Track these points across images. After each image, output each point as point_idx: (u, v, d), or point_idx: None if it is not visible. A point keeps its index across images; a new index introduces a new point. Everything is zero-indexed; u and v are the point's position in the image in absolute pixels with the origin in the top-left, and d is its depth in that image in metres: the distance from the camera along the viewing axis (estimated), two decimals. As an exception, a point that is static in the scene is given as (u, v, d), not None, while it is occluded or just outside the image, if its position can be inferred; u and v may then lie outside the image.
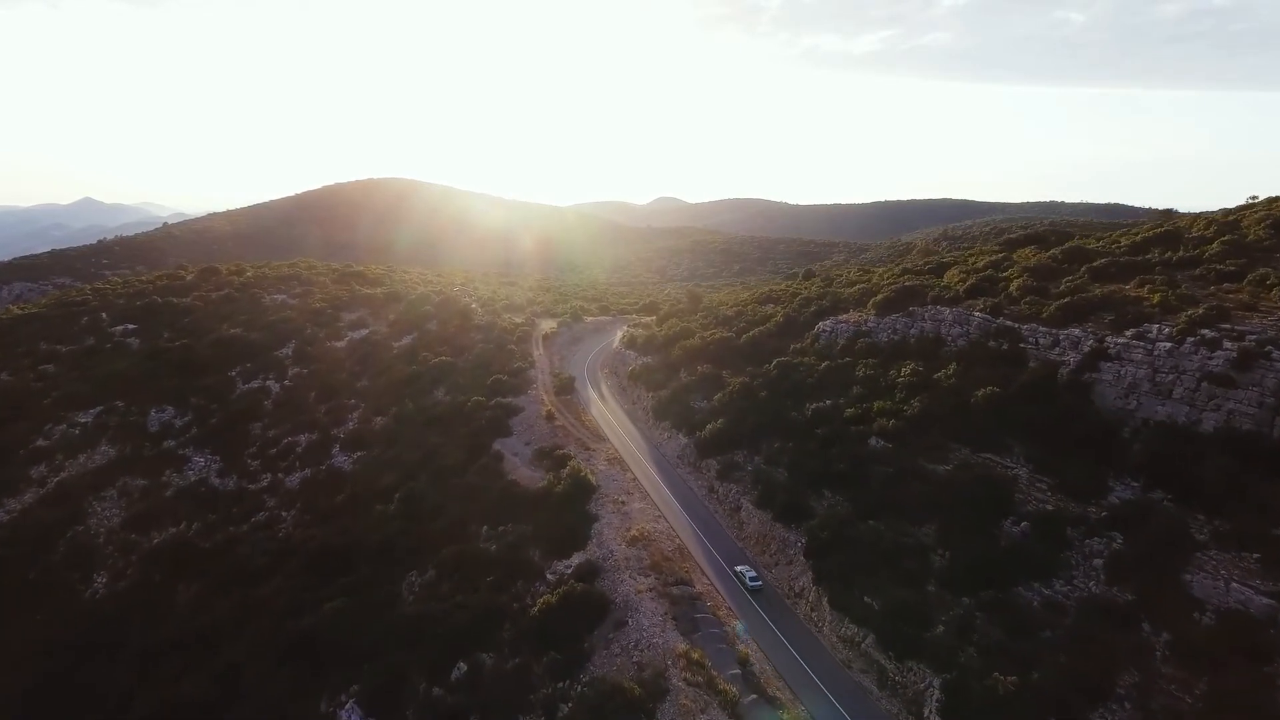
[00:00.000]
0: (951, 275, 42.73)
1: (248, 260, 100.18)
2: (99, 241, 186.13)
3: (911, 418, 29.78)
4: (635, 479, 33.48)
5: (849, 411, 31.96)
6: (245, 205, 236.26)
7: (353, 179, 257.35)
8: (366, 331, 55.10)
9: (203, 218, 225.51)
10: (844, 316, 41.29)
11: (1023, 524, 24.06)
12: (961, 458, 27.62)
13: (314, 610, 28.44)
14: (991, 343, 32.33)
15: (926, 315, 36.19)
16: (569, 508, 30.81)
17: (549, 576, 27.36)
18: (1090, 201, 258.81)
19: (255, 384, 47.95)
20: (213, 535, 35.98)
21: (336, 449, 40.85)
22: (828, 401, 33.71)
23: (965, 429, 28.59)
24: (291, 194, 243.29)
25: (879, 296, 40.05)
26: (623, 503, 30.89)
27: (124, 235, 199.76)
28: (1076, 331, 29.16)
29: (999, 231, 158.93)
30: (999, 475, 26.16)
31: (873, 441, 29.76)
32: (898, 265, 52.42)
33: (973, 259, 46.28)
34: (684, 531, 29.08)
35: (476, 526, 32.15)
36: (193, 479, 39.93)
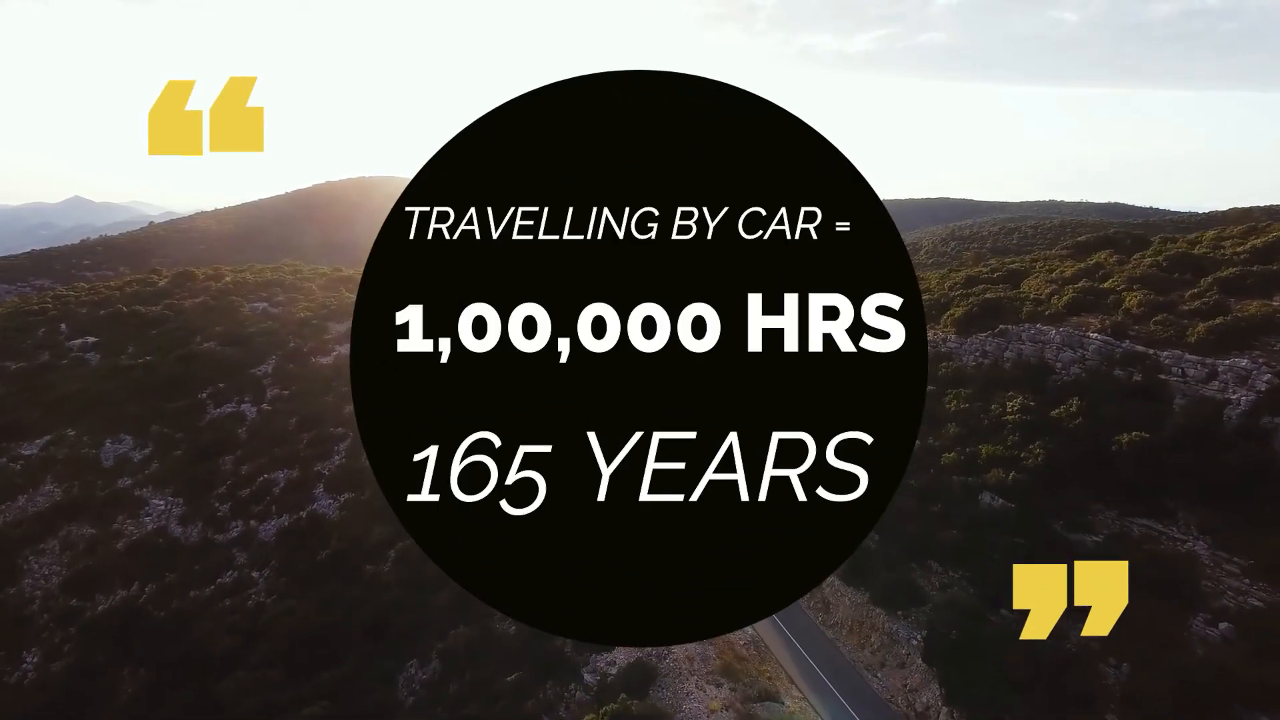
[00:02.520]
0: (1033, 285, 36.98)
1: (239, 261, 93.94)
2: (81, 242, 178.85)
3: (1034, 469, 23.96)
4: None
5: (947, 457, 26.14)
6: (236, 204, 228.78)
7: (346, 177, 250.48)
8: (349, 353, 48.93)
9: (190, 216, 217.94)
10: (914, 334, 35.44)
11: (1221, 625, 18.30)
12: (1110, 524, 21.84)
13: (288, 718, 22.48)
14: (1118, 372, 26.51)
15: (1024, 336, 30.36)
16: (605, 578, 24.93)
17: (587, 678, 21.51)
18: (1090, 200, 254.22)
19: (229, 408, 41.81)
20: (169, 602, 29.87)
21: (320, 490, 34.78)
22: (915, 443, 27.84)
23: (1108, 486, 22.80)
24: (283, 192, 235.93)
25: (957, 311, 34.25)
26: (672, 572, 24.99)
27: (108, 235, 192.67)
28: (1243, 362, 23.37)
29: (1008, 231, 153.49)
30: (1169, 552, 20.38)
31: (986, 498, 23.96)
32: (957, 271, 46.62)
33: (1050, 266, 40.54)
34: (755, 615, 23.27)
35: (490, 598, 26.21)
36: (150, 528, 33.78)
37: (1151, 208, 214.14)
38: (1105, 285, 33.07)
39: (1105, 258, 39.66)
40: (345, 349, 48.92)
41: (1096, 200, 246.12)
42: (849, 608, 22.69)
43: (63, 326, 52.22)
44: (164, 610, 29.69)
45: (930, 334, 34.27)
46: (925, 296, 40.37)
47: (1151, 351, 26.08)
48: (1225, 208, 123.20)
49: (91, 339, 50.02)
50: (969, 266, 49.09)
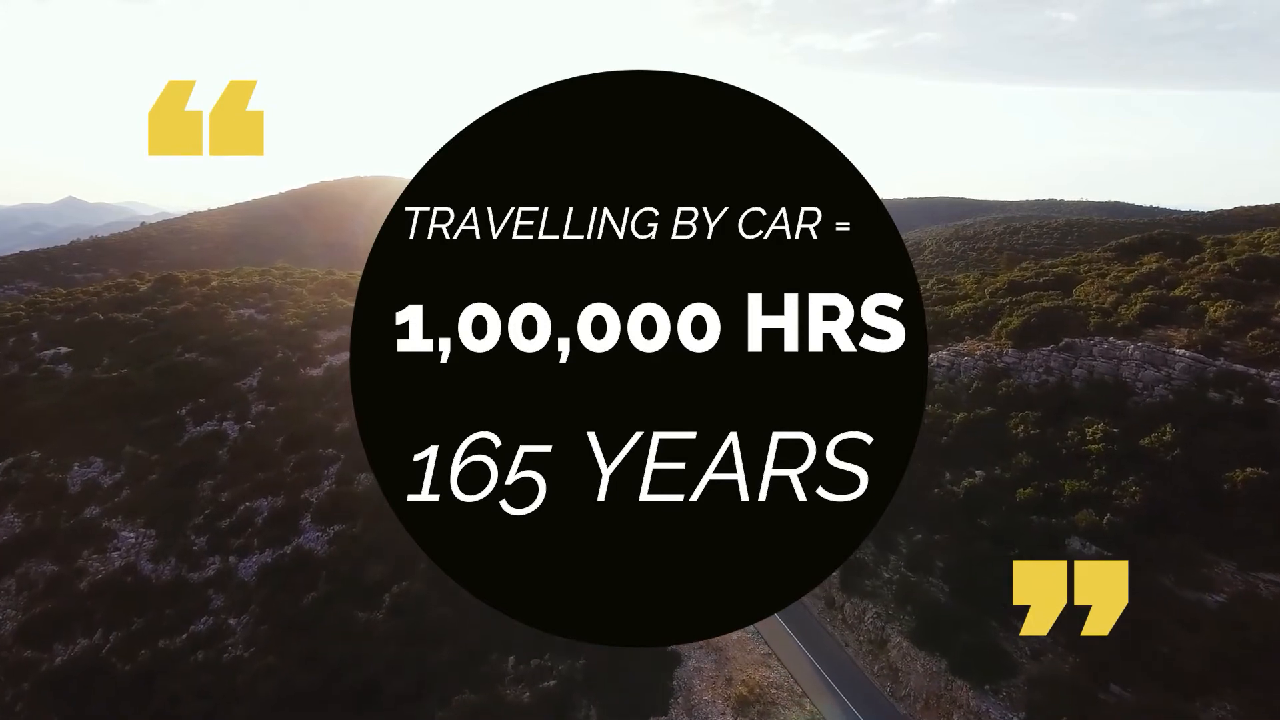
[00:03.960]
0: (1089, 292, 33.80)
1: (233, 263, 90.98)
2: (71, 243, 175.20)
3: (1131, 510, 20.71)
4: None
5: (1022, 493, 22.86)
6: (232, 204, 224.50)
7: (343, 177, 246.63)
8: (349, 356, 45.50)
9: (184, 217, 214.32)
10: (962, 346, 32.19)
11: (1395, 716, 15.17)
12: (1231, 580, 18.60)
13: (263, 807, 19.23)
14: (1214, 394, 23.31)
15: (1095, 351, 27.12)
16: (632, 634, 21.69)
17: (617, 763, 18.29)
18: (1090, 199, 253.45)
19: (209, 426, 38.45)
20: (135, 653, 26.51)
21: (307, 521, 31.43)
22: (979, 474, 24.61)
23: (1221, 531, 19.58)
24: (279, 192, 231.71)
25: (1011, 322, 30.97)
26: (710, 628, 21.74)
27: (98, 236, 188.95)
28: (1374, 386, 20.24)
29: (1012, 230, 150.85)
30: (1311, 617, 17.18)
31: (1075, 544, 20.72)
32: (994, 275, 43.42)
33: (1102, 270, 37.38)
34: (812, 685, 19.90)
35: (500, 656, 22.94)
36: (117, 564, 30.43)
37: (1153, 206, 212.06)
38: (1177, 293, 29.91)
39: (1157, 260, 36.56)
40: (336, 359, 45.54)
41: (1096, 199, 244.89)
42: (923, 676, 19.37)
43: (34, 335, 48.74)
44: (129, 663, 26.28)
45: (983, 347, 31.02)
46: (967, 304, 37.16)
47: (1254, 371, 22.89)
48: (1230, 206, 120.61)
49: (64, 349, 46.59)
50: (1006, 270, 45.87)
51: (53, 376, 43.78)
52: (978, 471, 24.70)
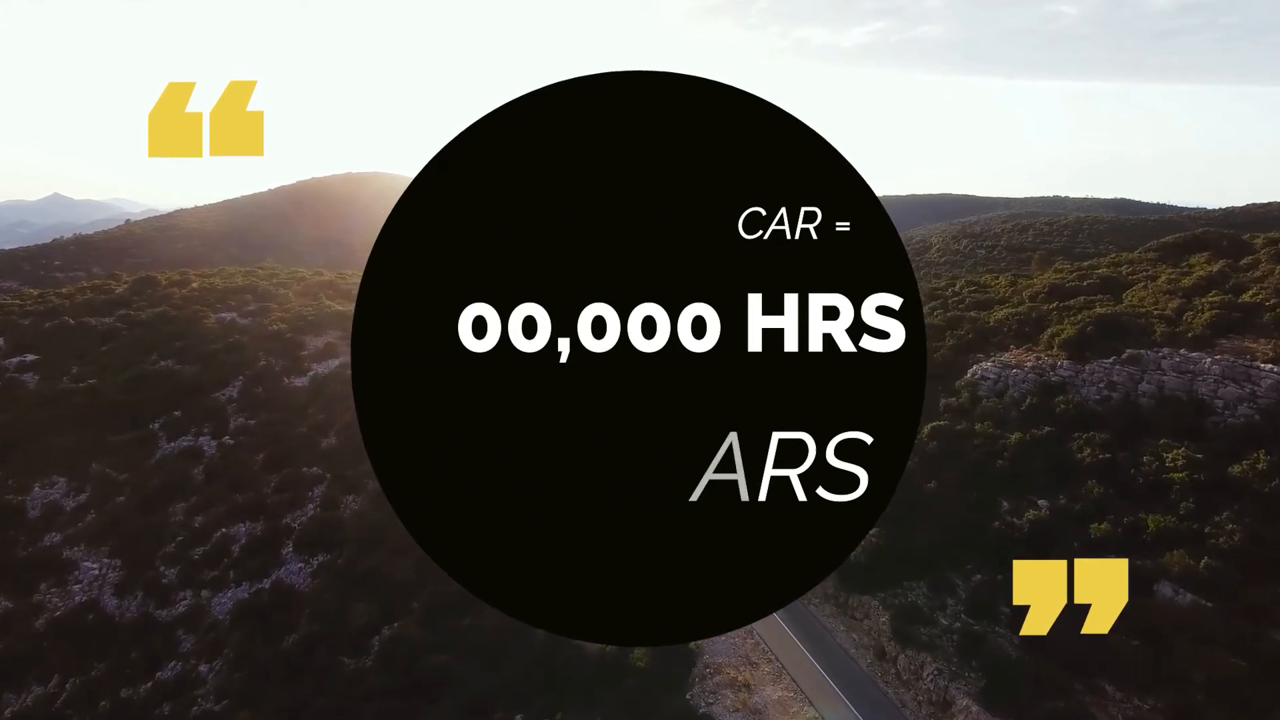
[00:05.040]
0: (1144, 296, 31.23)
1: (221, 261, 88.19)
2: (53, 241, 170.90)
3: (1231, 551, 18.11)
4: (753, 633, 21.47)
5: (1096, 528, 20.21)
6: (220, 200, 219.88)
7: (333, 173, 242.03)
8: (337, 364, 42.60)
9: (171, 214, 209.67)
10: (1008, 356, 29.52)
11: None
12: (1360, 639, 16.04)
13: None
14: (1309, 415, 20.77)
15: (1165, 364, 24.51)
16: (658, 690, 18.93)
17: None
18: (1096, 196, 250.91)
19: (184, 442, 35.49)
20: (95, 703, 23.77)
21: (288, 550, 28.57)
22: (1043, 504, 21.95)
23: (1341, 579, 17.03)
24: (268, 188, 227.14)
25: (1065, 330, 28.32)
26: (747, 685, 18.96)
27: (82, 233, 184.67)
28: None
29: (1021, 228, 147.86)
30: None
31: (1166, 590, 18.10)
32: (1028, 278, 40.83)
33: (1154, 272, 34.83)
34: (871, 759, 17.31)
35: (505, 713, 20.17)
36: (78, 599, 27.56)
37: (1161, 204, 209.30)
38: (1246, 299, 27.36)
39: (1209, 262, 34.08)
40: (323, 367, 42.54)
41: (1102, 196, 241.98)
42: (1000, 751, 16.77)
43: (0, 341, 45.70)
44: (88, 716, 23.47)
45: (1033, 358, 28.36)
46: (1006, 309, 34.53)
47: (1357, 390, 20.34)
48: (1241, 204, 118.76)
49: (31, 357, 43.47)
50: (1040, 271, 43.26)
51: (17, 386, 40.68)
52: (1041, 502, 22.05)
